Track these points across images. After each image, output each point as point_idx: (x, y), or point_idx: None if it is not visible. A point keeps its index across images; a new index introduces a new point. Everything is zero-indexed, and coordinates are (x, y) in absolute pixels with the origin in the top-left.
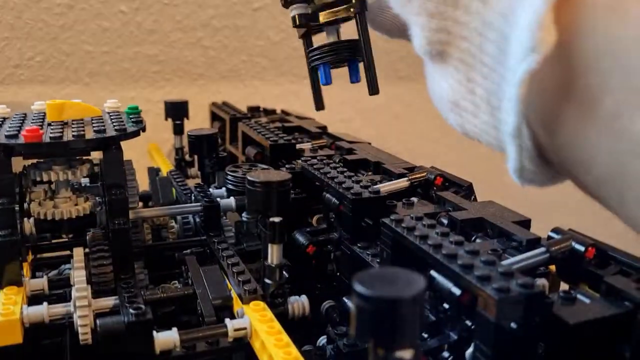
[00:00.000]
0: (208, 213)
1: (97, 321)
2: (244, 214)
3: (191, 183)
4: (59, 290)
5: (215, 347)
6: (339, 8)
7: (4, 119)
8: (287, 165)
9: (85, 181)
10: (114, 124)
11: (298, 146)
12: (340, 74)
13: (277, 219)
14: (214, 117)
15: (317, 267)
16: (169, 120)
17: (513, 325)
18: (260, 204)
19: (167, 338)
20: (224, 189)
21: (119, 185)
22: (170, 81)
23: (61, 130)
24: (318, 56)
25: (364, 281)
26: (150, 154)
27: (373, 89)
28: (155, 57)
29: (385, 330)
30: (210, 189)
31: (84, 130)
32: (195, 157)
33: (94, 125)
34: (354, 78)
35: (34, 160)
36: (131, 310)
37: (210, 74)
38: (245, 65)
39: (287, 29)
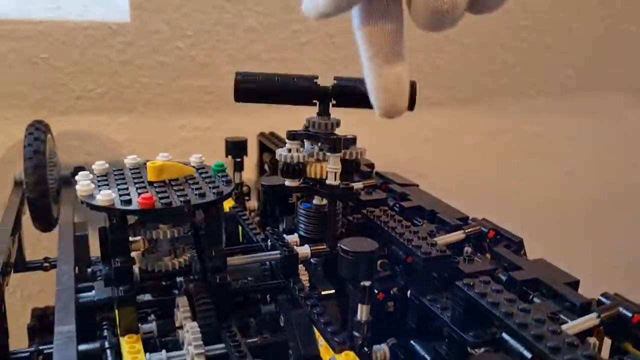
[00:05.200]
0: (287, 262)
1: None
2: (313, 259)
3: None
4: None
5: None
6: None
7: (106, 175)
8: (354, 216)
9: None
10: (210, 186)
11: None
12: None
13: (367, 283)
14: (263, 147)
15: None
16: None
17: None
18: (352, 271)
19: None
20: (296, 234)
21: (218, 243)
22: (219, 110)
23: (167, 194)
24: None
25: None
26: None
27: None
28: (206, 88)
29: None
30: (284, 236)
31: (187, 194)
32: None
33: (191, 186)
34: None
35: None
36: None
37: (257, 104)
38: None
39: (329, 61)
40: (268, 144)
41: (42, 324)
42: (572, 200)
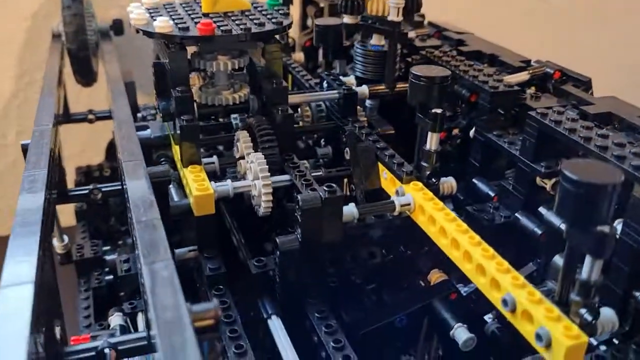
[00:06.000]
0: (346, 100)
1: (299, 197)
2: (368, 101)
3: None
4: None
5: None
6: None
7: (157, 8)
8: (412, 56)
9: None
10: (269, 17)
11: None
12: None
13: (438, 111)
14: (306, 1)
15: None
16: None
17: None
18: (424, 97)
19: (349, 212)
20: (352, 76)
21: (278, 75)
22: None
23: (226, 23)
24: None
25: (574, 170)
26: None
27: None
28: None
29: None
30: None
31: (246, 24)
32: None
33: (251, 18)
34: None
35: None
36: (324, 188)
37: None
38: None
39: None
40: None
41: (88, 180)
42: None
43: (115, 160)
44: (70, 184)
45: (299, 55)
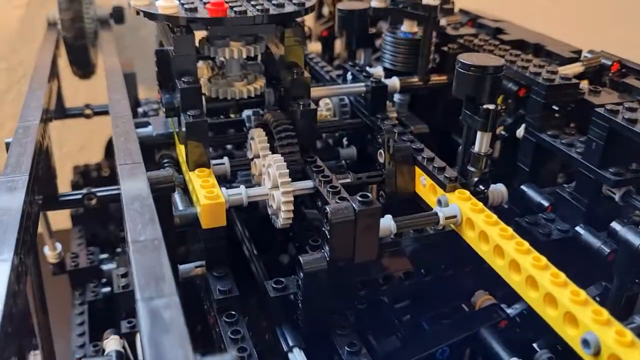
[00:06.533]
0: (375, 94)
1: (328, 208)
2: (397, 96)
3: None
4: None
5: (420, 234)
6: None
7: None
8: (449, 45)
9: None
10: None
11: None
12: None
13: (491, 106)
14: None
15: None
16: None
17: None
18: (473, 90)
19: (385, 225)
20: (379, 67)
21: (299, 65)
22: None
23: (240, 3)
24: None
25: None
26: None
27: None
28: None
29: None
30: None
31: (263, 4)
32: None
33: None
34: None
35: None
36: (358, 198)
37: None
38: None
39: None
40: None
41: (85, 180)
42: None
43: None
44: (67, 185)
45: (315, 46)
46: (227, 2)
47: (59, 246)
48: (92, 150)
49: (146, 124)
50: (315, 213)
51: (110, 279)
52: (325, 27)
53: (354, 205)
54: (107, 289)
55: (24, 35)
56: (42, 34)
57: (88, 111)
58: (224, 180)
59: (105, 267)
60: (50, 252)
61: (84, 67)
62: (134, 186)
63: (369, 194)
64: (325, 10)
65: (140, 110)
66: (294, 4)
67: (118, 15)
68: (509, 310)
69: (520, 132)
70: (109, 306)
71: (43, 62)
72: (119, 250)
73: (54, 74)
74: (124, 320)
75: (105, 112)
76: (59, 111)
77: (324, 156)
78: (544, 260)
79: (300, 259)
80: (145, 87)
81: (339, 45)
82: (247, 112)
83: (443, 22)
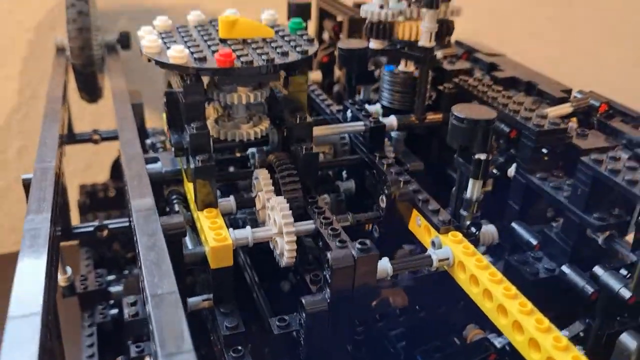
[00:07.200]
0: (373, 133)
1: (329, 255)
2: (394, 132)
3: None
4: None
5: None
6: None
7: (171, 32)
8: (445, 85)
9: None
10: (292, 44)
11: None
12: None
13: (482, 156)
14: (323, 13)
15: None
16: None
17: None
18: (466, 140)
19: (382, 268)
20: (378, 105)
21: (302, 109)
22: None
23: (245, 52)
24: None
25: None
26: None
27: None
28: None
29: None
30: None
31: (268, 53)
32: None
33: (272, 46)
34: None
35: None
36: (357, 245)
37: None
38: None
39: None
40: (330, 9)
41: (92, 201)
42: None
43: (121, 180)
44: (73, 203)
45: (316, 75)
46: (234, 51)
47: (69, 270)
48: (97, 169)
49: (156, 160)
50: (316, 248)
51: (117, 301)
52: (326, 53)
53: (353, 252)
54: (114, 311)
55: (32, 58)
56: (51, 56)
57: (96, 137)
58: (229, 214)
59: (112, 289)
60: (61, 276)
61: (91, 92)
62: (149, 236)
63: (367, 242)
64: (326, 36)
65: (148, 142)
66: (298, 52)
67: (125, 40)
68: (499, 339)
69: (511, 171)
70: (117, 328)
71: (55, 92)
72: (125, 272)
73: (65, 102)
74: (132, 344)
75: (112, 138)
76: (69, 137)
77: (324, 189)
78: (529, 305)
79: (303, 300)
80: (151, 109)
81: (338, 70)
82: (251, 150)
83: (439, 54)
